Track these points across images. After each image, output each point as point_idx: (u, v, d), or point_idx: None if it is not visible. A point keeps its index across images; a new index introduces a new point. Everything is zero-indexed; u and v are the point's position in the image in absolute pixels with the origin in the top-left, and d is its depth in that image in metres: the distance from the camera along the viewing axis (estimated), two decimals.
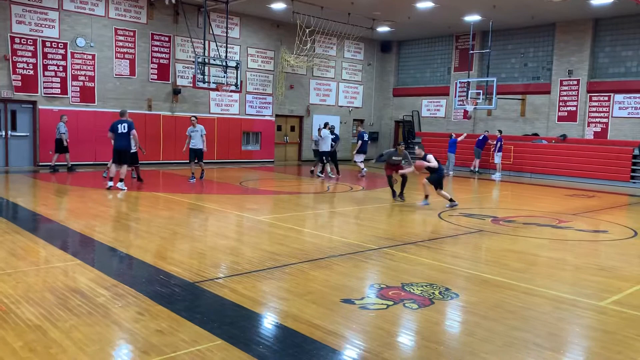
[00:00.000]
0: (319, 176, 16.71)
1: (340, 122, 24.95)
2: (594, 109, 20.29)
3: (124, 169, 12.23)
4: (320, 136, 16.58)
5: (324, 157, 16.61)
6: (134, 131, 12.21)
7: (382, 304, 4.99)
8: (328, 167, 16.90)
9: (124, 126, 12.07)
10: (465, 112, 23.05)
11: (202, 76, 17.37)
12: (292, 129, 24.17)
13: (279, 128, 23.56)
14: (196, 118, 14.66)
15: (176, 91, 19.80)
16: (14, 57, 16.40)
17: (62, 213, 9.79)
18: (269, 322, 4.58)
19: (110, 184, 12.06)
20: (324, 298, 5.11)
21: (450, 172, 20.09)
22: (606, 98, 19.94)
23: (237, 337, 4.09)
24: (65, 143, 15.61)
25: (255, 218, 9.57)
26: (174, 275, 5.70)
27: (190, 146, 14.15)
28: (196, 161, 14.31)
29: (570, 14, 19.47)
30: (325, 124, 16.98)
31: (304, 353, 3.89)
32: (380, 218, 10.17)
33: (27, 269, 5.82)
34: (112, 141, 12.25)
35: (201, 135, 14.18)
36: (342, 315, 4.68)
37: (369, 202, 12.07)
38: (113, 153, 12.30)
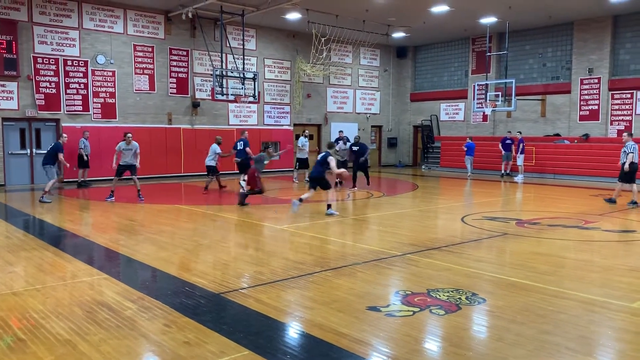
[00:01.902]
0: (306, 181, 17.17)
1: (359, 129, 24.96)
2: (617, 107, 19.94)
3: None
4: (298, 145, 17.60)
5: (297, 164, 17.63)
6: (248, 148, 14.93)
7: (408, 310, 4.95)
8: (295, 173, 18.06)
9: (241, 143, 15.02)
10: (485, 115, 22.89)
11: (220, 88, 17.53)
12: (311, 137, 24.19)
13: (297, 137, 23.61)
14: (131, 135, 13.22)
15: (195, 104, 20.02)
16: (37, 76, 16.77)
17: (87, 228, 9.93)
18: (295, 332, 4.57)
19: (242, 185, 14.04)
20: (349, 306, 5.08)
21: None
22: (629, 95, 19.59)
23: (263, 347, 4.09)
24: (85, 158, 16.02)
25: (276, 227, 9.59)
26: (199, 287, 5.73)
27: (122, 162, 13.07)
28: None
29: (588, 11, 19.23)
30: (303, 131, 17.63)
31: None
32: (402, 224, 10.10)
33: (55, 284, 5.91)
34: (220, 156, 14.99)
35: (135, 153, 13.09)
36: (369, 323, 4.64)
37: (390, 209, 12.01)
38: (207, 167, 14.95)
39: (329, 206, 10.81)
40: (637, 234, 9.00)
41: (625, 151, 12.27)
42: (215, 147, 14.85)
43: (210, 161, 14.80)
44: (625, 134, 12.74)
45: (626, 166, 12.11)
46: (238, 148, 15.04)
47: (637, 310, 5.01)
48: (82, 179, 16.46)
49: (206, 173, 15.34)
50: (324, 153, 11.03)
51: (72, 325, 4.56)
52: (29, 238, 8.56)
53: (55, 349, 4.06)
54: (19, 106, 16.56)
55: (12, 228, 9.48)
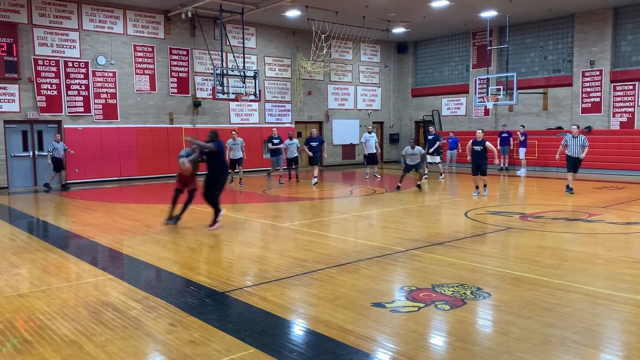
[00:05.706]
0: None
1: (360, 126, 24.96)
2: (619, 99, 19.87)
3: (316, 170, 17.04)
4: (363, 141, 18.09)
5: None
6: (323, 145, 17.69)
7: (413, 306, 4.95)
8: (368, 169, 18.33)
9: (315, 142, 17.09)
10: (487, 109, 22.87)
11: (221, 87, 17.54)
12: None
13: (299, 134, 23.63)
14: (236, 132, 16.53)
15: (196, 104, 20.01)
16: (37, 78, 16.78)
17: (91, 229, 9.93)
18: (300, 329, 4.57)
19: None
20: (354, 303, 5.08)
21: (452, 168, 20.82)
22: (631, 87, 19.52)
23: (269, 345, 4.10)
24: (57, 160, 15.90)
25: (280, 225, 9.59)
26: (204, 286, 5.73)
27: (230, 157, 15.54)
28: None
29: (589, 3, 19.15)
30: (369, 128, 18.36)
31: (337, 358, 3.87)
32: (405, 220, 10.10)
33: (60, 285, 5.92)
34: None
35: (241, 147, 15.82)
36: (374, 319, 4.65)
37: (393, 204, 12.00)
38: (293, 159, 17.55)
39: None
40: None
41: (582, 145, 13.26)
42: (297, 142, 17.55)
43: (293, 154, 17.42)
44: (574, 127, 13.74)
45: (583, 155, 13.16)
46: (313, 144, 17.40)
47: None
48: (65, 182, 16.36)
49: (291, 165, 17.88)
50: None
51: (77, 326, 4.57)
52: (33, 240, 8.58)
53: (61, 349, 4.07)
54: (20, 108, 16.57)
55: (16, 230, 9.51)
